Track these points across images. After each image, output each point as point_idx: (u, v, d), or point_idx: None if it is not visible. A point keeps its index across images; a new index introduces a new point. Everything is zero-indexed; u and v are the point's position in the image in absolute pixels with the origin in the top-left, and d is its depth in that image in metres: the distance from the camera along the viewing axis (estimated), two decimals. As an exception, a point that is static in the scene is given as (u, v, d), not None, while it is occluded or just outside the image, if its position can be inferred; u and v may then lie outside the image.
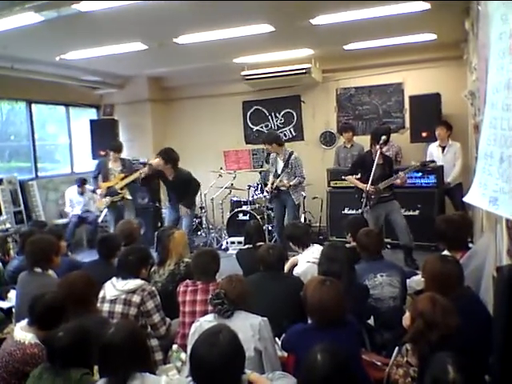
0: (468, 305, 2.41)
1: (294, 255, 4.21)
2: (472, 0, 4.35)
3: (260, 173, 8.01)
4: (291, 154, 6.11)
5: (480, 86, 3.16)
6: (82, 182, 7.59)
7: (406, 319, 2.30)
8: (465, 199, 2.37)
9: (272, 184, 6.26)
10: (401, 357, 2.29)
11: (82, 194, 7.60)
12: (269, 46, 6.58)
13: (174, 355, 3.01)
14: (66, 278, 2.93)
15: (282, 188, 6.14)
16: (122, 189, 6.30)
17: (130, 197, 6.37)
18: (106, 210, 7.95)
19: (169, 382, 2.15)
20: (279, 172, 6.19)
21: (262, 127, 8.78)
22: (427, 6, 4.87)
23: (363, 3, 4.75)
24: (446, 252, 3.32)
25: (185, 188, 5.88)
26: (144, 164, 6.61)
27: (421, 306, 2.17)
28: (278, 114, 8.63)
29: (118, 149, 6.55)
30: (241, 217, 7.02)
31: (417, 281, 3.46)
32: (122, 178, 6.28)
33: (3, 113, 7.73)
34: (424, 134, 6.75)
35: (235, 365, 1.93)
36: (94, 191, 6.47)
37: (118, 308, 3.06)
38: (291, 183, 6.03)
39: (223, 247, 7.02)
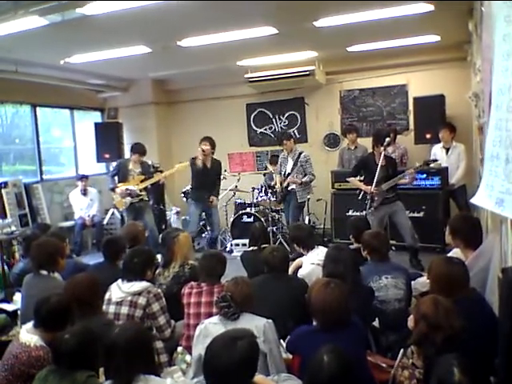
0: (473, 306, 2.40)
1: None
2: (475, 0, 4.35)
3: (264, 175, 8.02)
4: (301, 153, 6.45)
5: (484, 88, 3.15)
6: (83, 177, 7.72)
7: (411, 321, 2.30)
8: (472, 201, 2.36)
9: (281, 184, 6.54)
10: (406, 359, 2.28)
11: (84, 193, 7.65)
12: (272, 48, 6.59)
13: (178, 357, 3.02)
14: (71, 281, 2.95)
15: (290, 187, 6.38)
16: (141, 191, 6.32)
17: (147, 198, 6.38)
18: (111, 212, 8.01)
19: (174, 384, 2.15)
20: (288, 171, 6.46)
21: (265, 129, 8.78)
22: (431, 7, 4.87)
23: (367, 5, 4.75)
24: (452, 253, 3.31)
25: (218, 175, 6.33)
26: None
27: (423, 309, 2.16)
28: (281, 117, 8.64)
29: (144, 152, 6.49)
30: (245, 219, 7.04)
31: (422, 282, 3.45)
32: (142, 180, 6.29)
33: (8, 116, 7.76)
34: (428, 136, 6.75)
35: (249, 372, 1.94)
36: (112, 189, 6.46)
37: (124, 310, 3.07)
38: (303, 180, 6.23)
39: (227, 249, 7.01)
